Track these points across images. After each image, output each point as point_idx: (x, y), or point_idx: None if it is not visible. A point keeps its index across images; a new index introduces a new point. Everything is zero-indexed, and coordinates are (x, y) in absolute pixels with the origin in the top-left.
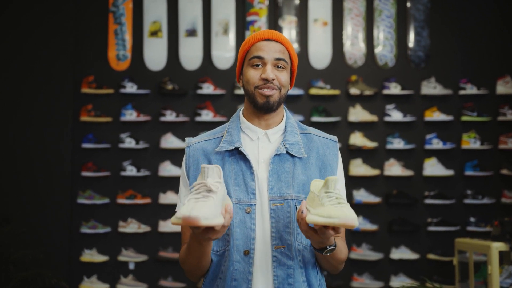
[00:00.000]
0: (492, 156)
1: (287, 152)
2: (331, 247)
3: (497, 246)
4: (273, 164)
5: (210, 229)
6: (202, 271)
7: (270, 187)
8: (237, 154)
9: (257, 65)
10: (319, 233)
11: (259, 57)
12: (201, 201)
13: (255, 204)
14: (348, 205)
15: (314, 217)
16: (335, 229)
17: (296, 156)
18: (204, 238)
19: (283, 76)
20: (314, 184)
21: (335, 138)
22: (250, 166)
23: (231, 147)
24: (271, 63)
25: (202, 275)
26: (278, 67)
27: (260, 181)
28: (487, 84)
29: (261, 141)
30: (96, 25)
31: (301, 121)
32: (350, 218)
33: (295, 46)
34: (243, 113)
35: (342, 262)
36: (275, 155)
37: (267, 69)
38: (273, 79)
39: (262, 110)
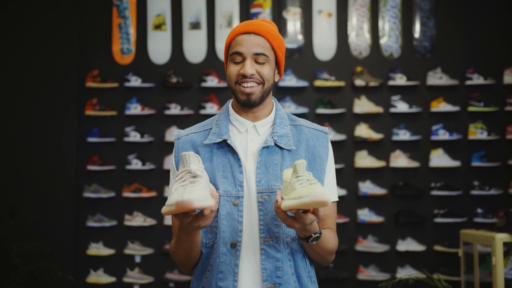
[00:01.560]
0: (499, 147)
1: (276, 144)
2: (316, 235)
3: (501, 237)
4: (261, 156)
5: (199, 216)
6: (193, 262)
7: (258, 179)
8: (225, 146)
9: (237, 62)
10: (298, 220)
11: (238, 53)
12: (189, 187)
13: (242, 197)
14: (320, 184)
15: (286, 202)
16: (314, 212)
17: (285, 148)
18: (193, 227)
19: (265, 70)
20: (286, 173)
21: (326, 129)
22: (238, 159)
23: (219, 140)
24: (250, 57)
25: (192, 266)
26: (259, 62)
27: (248, 174)
28: (494, 74)
29: (249, 133)
30: (100, 19)
31: (306, 113)
32: (319, 193)
33: (299, 38)
34: (232, 105)
35: (331, 253)
36: (263, 147)
37: (246, 64)
38: (252, 74)
39: (245, 106)
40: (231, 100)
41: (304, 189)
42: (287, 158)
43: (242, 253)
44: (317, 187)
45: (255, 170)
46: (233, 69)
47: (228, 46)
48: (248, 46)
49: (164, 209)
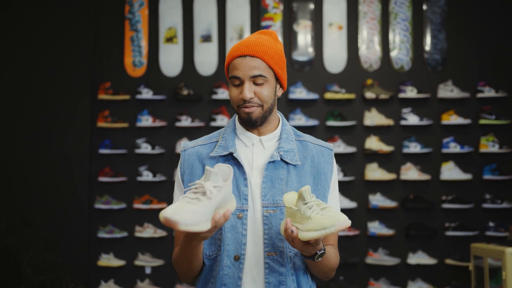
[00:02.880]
0: (511, 160)
1: (282, 159)
2: (321, 252)
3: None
4: (267, 171)
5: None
6: (194, 273)
7: (263, 193)
8: (231, 159)
9: (237, 84)
10: (313, 245)
11: (236, 77)
12: (192, 204)
13: (247, 210)
14: (330, 207)
15: (309, 233)
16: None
17: (291, 164)
18: (194, 237)
19: (264, 91)
20: (287, 199)
21: (330, 146)
22: (243, 172)
23: (225, 152)
24: (248, 81)
25: (193, 277)
26: (257, 83)
27: (253, 187)
28: (506, 86)
29: (255, 147)
30: (112, 32)
31: (316, 126)
32: (343, 222)
33: (310, 50)
34: (238, 119)
35: (333, 269)
36: (269, 162)
37: (244, 88)
38: (252, 98)
39: (246, 125)
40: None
41: (323, 218)
42: (293, 173)
43: (245, 266)
44: (335, 213)
45: (260, 184)
46: (233, 93)
47: (228, 67)
48: (244, 70)
49: (160, 217)
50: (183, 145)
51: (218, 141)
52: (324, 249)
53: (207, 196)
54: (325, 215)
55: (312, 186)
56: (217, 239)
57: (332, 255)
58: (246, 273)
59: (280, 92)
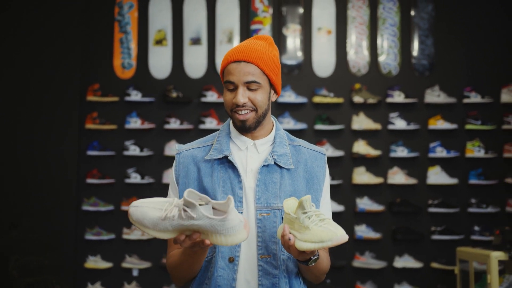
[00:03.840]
0: (496, 165)
1: (275, 163)
2: (315, 257)
3: (497, 256)
4: (261, 174)
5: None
6: (192, 277)
7: (257, 197)
8: (226, 162)
9: (231, 89)
10: (308, 253)
11: (230, 82)
12: (158, 211)
13: (241, 212)
14: (329, 219)
15: (305, 244)
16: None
17: (284, 168)
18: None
19: (258, 96)
20: (287, 204)
21: (323, 150)
22: (238, 175)
23: (220, 156)
24: (242, 86)
25: (189, 280)
26: (251, 89)
27: (247, 191)
28: (492, 92)
29: (249, 151)
30: (102, 34)
31: (305, 129)
32: (341, 237)
33: (299, 54)
34: (232, 123)
35: (325, 273)
36: (263, 165)
37: (238, 93)
38: (245, 103)
39: (241, 131)
40: None
41: (321, 230)
42: (286, 177)
43: (239, 268)
44: (333, 227)
45: (254, 187)
46: (227, 97)
47: (223, 72)
48: (238, 76)
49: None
50: (178, 147)
51: (212, 144)
52: (318, 255)
53: (189, 214)
54: (323, 228)
55: (304, 190)
56: None
57: (324, 259)
58: (240, 275)
59: (274, 97)
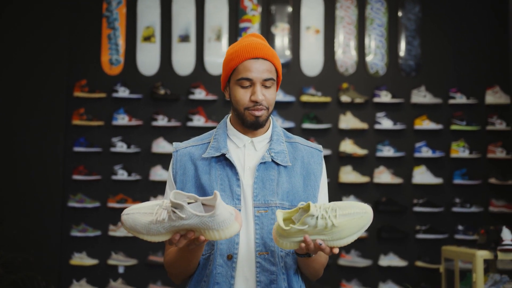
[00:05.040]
0: (480, 165)
1: (272, 161)
2: None
3: (482, 254)
4: (258, 171)
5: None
6: (190, 273)
7: (255, 194)
8: (224, 160)
9: (245, 86)
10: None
11: (247, 79)
12: (149, 216)
13: (240, 210)
14: (334, 203)
15: (344, 240)
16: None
17: (281, 165)
18: (195, 244)
19: (271, 94)
20: (279, 226)
21: (320, 147)
22: (236, 173)
23: (218, 154)
24: (259, 83)
25: (187, 277)
26: (266, 86)
27: (245, 188)
28: (477, 93)
29: (247, 148)
30: (89, 30)
31: (292, 128)
32: (370, 211)
33: (287, 53)
34: (230, 120)
35: (323, 268)
36: (261, 163)
37: (256, 90)
38: (262, 100)
39: (251, 128)
40: (229, 115)
41: (350, 219)
42: (283, 174)
43: (238, 265)
44: (355, 208)
45: (252, 184)
46: (243, 95)
47: (234, 69)
48: (257, 73)
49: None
50: (175, 145)
51: (210, 142)
52: None
53: (177, 215)
54: (348, 217)
55: (302, 187)
56: None
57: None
58: (239, 272)
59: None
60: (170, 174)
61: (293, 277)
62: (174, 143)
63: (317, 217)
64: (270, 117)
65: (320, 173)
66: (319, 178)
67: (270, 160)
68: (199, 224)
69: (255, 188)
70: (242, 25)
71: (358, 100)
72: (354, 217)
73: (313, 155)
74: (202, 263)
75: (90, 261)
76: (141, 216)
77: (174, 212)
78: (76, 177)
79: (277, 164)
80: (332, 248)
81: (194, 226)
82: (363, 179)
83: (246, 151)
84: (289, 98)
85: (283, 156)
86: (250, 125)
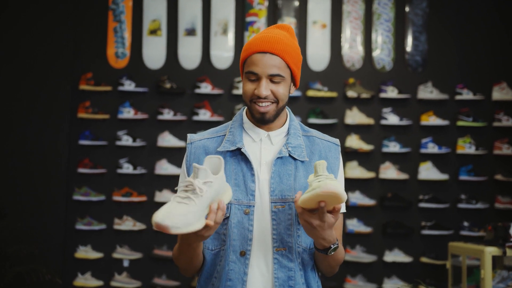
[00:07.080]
0: (486, 161)
1: (290, 155)
2: (335, 246)
3: (490, 251)
4: (275, 166)
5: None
6: (195, 269)
7: (272, 189)
8: (239, 154)
9: (252, 79)
10: (318, 219)
11: (253, 73)
12: (183, 205)
13: (253, 206)
14: (336, 180)
15: (301, 196)
16: (333, 212)
17: (298, 159)
18: (191, 238)
19: (280, 89)
20: (310, 177)
21: (337, 141)
22: (251, 168)
23: (233, 148)
24: (265, 78)
25: (195, 272)
26: (274, 81)
27: (261, 183)
28: (483, 89)
29: (263, 143)
30: (95, 22)
31: None
32: (330, 185)
33: None
34: (246, 114)
35: (339, 264)
36: (278, 157)
37: (260, 85)
38: (267, 95)
39: (259, 122)
40: (245, 108)
41: (318, 181)
42: (301, 169)
43: (251, 261)
44: (330, 180)
45: (269, 179)
46: (248, 87)
47: (245, 60)
48: (263, 68)
49: (152, 221)
50: (190, 137)
51: (225, 135)
52: (337, 244)
53: (197, 194)
54: (321, 181)
55: None
56: (221, 234)
57: (341, 250)
58: (253, 269)
59: (293, 90)
60: (183, 167)
61: (310, 273)
62: (188, 135)
63: (317, 177)
64: (286, 110)
65: (337, 168)
66: (337, 172)
67: (287, 154)
68: (218, 189)
69: (272, 183)
70: (248, 19)
71: (364, 95)
72: (320, 181)
73: (331, 149)
74: (211, 259)
75: (95, 255)
76: (173, 208)
77: (204, 182)
78: (81, 170)
79: (294, 159)
80: (298, 208)
81: (218, 189)
82: (369, 174)
83: (262, 146)
84: (295, 93)
85: (300, 150)
86: (257, 120)
